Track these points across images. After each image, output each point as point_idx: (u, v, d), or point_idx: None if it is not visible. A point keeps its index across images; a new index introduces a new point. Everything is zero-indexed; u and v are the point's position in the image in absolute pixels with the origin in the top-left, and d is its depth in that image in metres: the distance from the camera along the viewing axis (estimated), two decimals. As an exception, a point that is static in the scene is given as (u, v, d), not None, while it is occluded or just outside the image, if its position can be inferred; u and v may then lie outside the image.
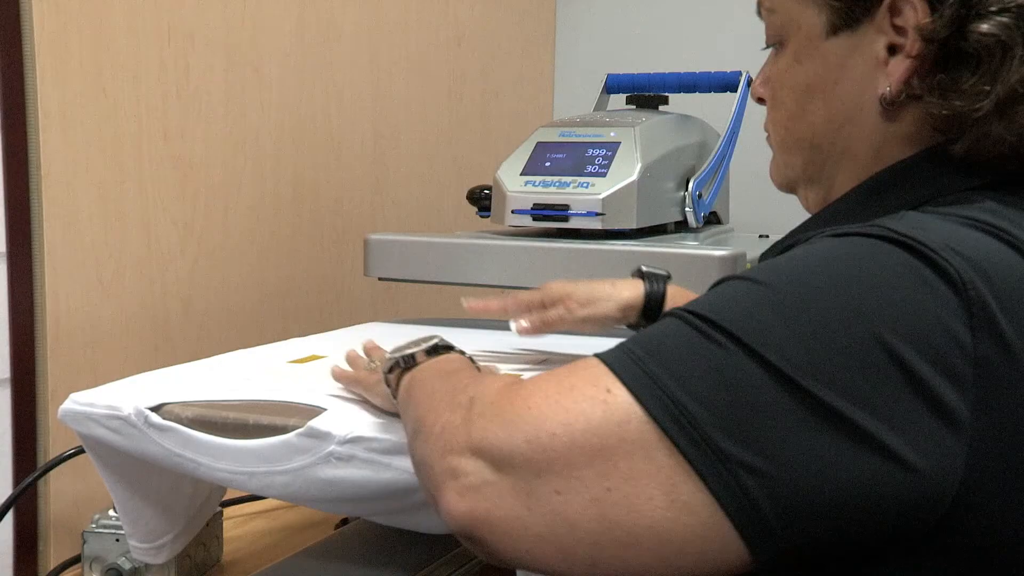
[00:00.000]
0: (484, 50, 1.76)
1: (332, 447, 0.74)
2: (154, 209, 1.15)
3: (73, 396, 0.82)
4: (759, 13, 0.69)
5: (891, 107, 0.61)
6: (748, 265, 1.07)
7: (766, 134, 0.71)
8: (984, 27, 0.56)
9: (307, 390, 0.83)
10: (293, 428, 0.76)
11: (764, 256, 0.67)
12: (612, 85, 1.46)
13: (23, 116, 1.01)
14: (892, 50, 0.60)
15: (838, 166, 0.65)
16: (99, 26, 1.07)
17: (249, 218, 1.28)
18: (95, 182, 1.08)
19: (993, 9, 0.56)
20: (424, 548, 0.96)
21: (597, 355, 0.52)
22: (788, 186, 0.72)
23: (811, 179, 0.68)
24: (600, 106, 1.47)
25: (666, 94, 1.40)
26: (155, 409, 0.80)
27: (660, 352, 0.50)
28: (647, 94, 1.40)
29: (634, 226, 1.17)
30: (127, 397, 0.81)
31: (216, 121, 1.22)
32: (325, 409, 0.76)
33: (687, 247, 1.08)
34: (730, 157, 1.35)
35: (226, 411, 0.79)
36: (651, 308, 0.91)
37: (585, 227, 1.16)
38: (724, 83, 1.39)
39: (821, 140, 0.66)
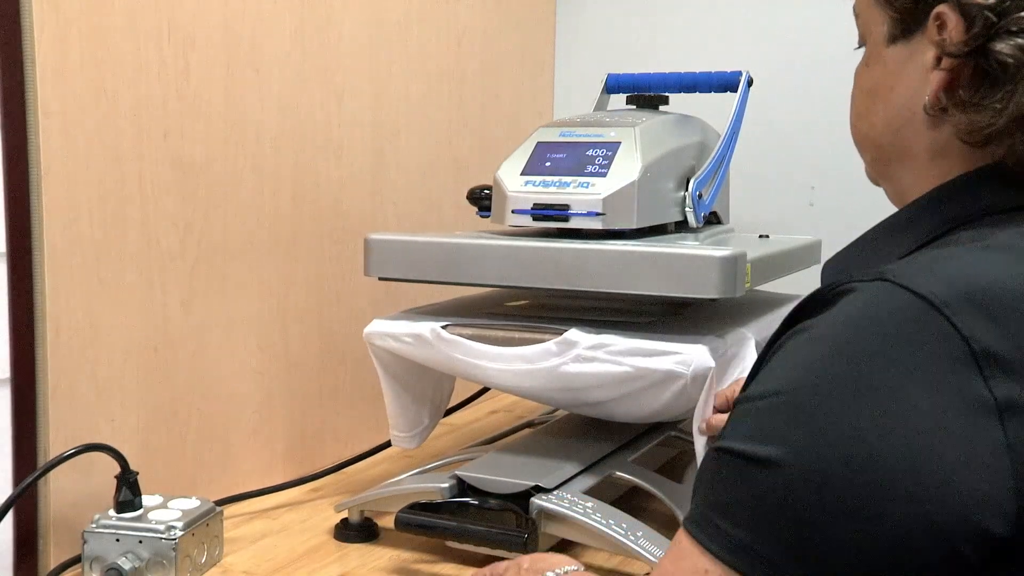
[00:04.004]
0: (484, 50, 1.76)
1: (579, 351, 1.06)
2: (154, 209, 1.15)
3: (375, 322, 1.19)
4: (854, 11, 0.74)
5: (933, 116, 0.64)
6: (748, 267, 1.07)
7: None
8: (1001, 47, 0.59)
9: (548, 317, 1.16)
10: (549, 339, 1.08)
11: (827, 268, 0.72)
12: (612, 85, 1.46)
13: (23, 116, 1.01)
14: (940, 61, 0.63)
15: (902, 166, 0.69)
16: (99, 26, 1.07)
17: (249, 218, 1.28)
18: (95, 182, 1.08)
19: (1014, 29, 0.58)
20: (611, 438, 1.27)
21: (686, 528, 0.57)
22: (872, 180, 0.76)
23: (882, 176, 0.73)
24: (600, 106, 1.47)
25: (666, 94, 1.40)
26: (444, 328, 1.14)
27: (728, 510, 0.55)
28: (647, 94, 1.40)
29: (634, 226, 1.17)
30: (418, 322, 1.16)
31: (216, 121, 1.22)
32: (568, 329, 1.08)
33: (687, 247, 1.08)
34: (730, 157, 1.35)
35: (495, 330, 1.13)
36: None
37: (585, 227, 1.16)
38: (724, 83, 1.39)
39: (882, 140, 0.70)
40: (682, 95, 1.41)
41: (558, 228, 1.19)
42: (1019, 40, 0.58)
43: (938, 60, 0.63)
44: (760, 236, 1.41)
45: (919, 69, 0.65)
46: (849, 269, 0.67)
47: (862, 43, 0.73)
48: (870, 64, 0.70)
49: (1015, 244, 0.58)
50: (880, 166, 0.72)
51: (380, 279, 1.21)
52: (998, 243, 0.59)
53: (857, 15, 0.72)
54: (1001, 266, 0.56)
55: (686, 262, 1.04)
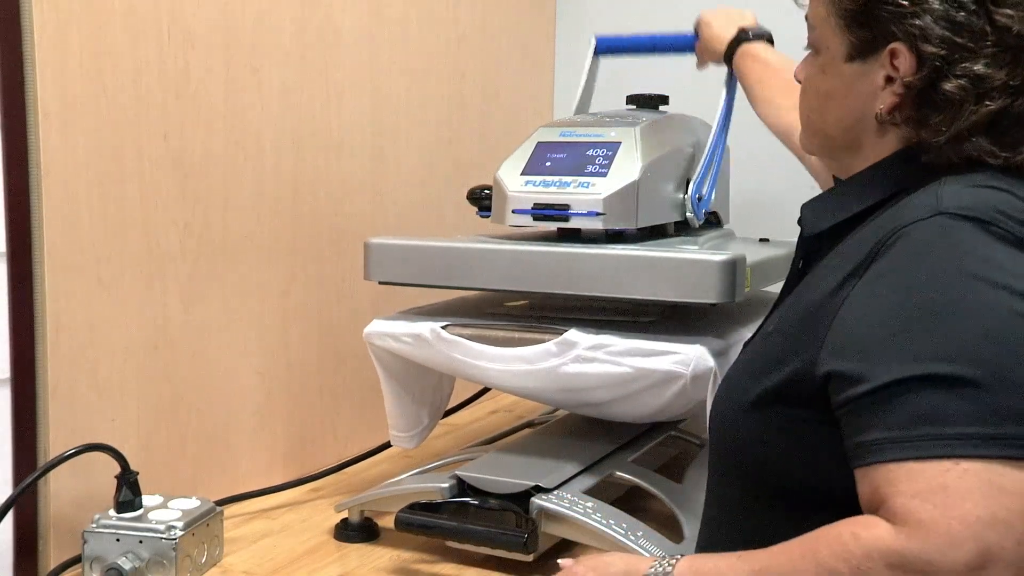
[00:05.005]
0: (484, 50, 1.76)
1: (578, 351, 1.07)
2: (154, 209, 1.15)
3: (375, 322, 1.19)
4: (807, 19, 0.86)
5: (882, 124, 0.79)
6: (748, 271, 1.07)
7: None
8: (948, 86, 0.74)
9: (548, 317, 1.15)
10: (549, 340, 1.09)
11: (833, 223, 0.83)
12: (602, 47, 1.44)
13: (23, 116, 1.01)
14: (890, 80, 0.78)
15: (849, 153, 0.84)
16: (99, 26, 1.07)
17: (249, 218, 1.28)
18: (95, 182, 1.08)
19: (957, 73, 0.74)
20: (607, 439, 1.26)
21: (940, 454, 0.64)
22: (809, 153, 0.94)
23: (829, 157, 0.89)
24: (592, 71, 1.44)
25: (666, 95, 1.40)
26: (444, 328, 1.14)
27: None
28: (647, 94, 1.40)
29: (635, 226, 1.17)
30: (418, 322, 1.16)
31: (216, 121, 1.22)
32: (568, 329, 1.08)
33: (687, 251, 1.08)
34: (723, 150, 1.33)
35: (495, 331, 1.14)
36: (728, 53, 1.28)
37: (586, 227, 1.16)
38: None
39: (834, 133, 0.84)
40: (683, 96, 1.41)
41: (558, 228, 1.19)
42: (961, 82, 0.74)
43: (887, 81, 0.77)
44: (760, 240, 1.41)
45: (871, 86, 0.79)
46: (829, 212, 0.83)
47: (811, 47, 0.85)
48: (827, 72, 0.83)
49: (991, 183, 0.74)
50: (826, 150, 0.88)
51: (380, 283, 1.21)
52: (979, 183, 0.74)
53: (812, 27, 0.85)
54: (994, 194, 0.73)
55: (686, 266, 1.04)
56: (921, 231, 0.71)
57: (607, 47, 1.44)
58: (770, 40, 1.28)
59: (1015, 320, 0.66)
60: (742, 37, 1.28)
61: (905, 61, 0.76)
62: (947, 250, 0.69)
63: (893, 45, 0.77)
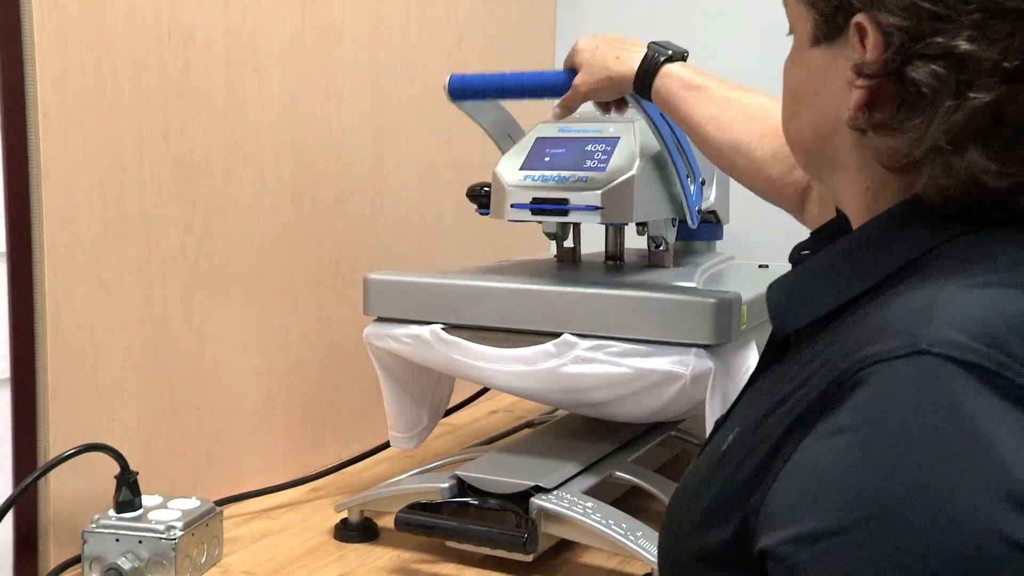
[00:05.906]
0: (484, 50, 1.76)
1: (578, 352, 1.07)
2: (154, 209, 1.15)
3: (375, 322, 1.20)
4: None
5: (856, 132, 0.59)
6: (744, 309, 1.07)
7: None
8: (916, 73, 0.54)
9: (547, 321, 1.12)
10: (548, 340, 1.09)
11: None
12: (455, 89, 1.24)
13: (23, 116, 1.01)
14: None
15: (833, 174, 0.64)
16: (99, 26, 1.07)
17: (249, 218, 1.28)
18: (95, 182, 1.08)
19: (928, 53, 0.54)
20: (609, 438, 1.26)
21: None
22: (806, 175, 0.75)
23: (814, 177, 0.69)
24: (478, 113, 1.28)
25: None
26: (444, 329, 1.15)
27: None
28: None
29: (633, 221, 1.17)
30: (419, 322, 1.17)
31: (216, 121, 1.22)
32: (564, 332, 1.09)
33: (682, 292, 1.08)
34: (679, 153, 1.21)
35: (495, 331, 1.13)
36: (642, 80, 1.02)
37: (584, 221, 1.16)
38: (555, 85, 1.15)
39: (811, 146, 0.65)
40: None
41: (557, 254, 1.18)
42: (934, 66, 0.53)
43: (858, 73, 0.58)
44: (760, 266, 1.41)
45: (841, 79, 0.59)
46: (804, 301, 0.63)
47: (790, 32, 0.67)
48: (795, 63, 0.65)
49: (1018, 278, 0.53)
50: (812, 169, 0.68)
51: (379, 319, 1.21)
52: (996, 278, 0.53)
53: (785, 3, 0.66)
54: (1015, 302, 0.51)
55: (680, 308, 1.04)
56: (893, 381, 0.49)
57: (460, 90, 1.22)
58: (684, 58, 1.02)
59: (998, 548, 0.45)
60: (657, 58, 1.00)
61: (872, 41, 0.56)
62: (926, 419, 0.48)
63: (857, 18, 0.57)
